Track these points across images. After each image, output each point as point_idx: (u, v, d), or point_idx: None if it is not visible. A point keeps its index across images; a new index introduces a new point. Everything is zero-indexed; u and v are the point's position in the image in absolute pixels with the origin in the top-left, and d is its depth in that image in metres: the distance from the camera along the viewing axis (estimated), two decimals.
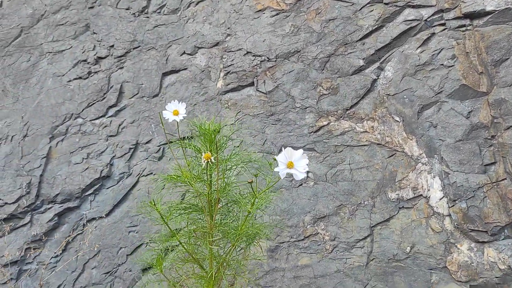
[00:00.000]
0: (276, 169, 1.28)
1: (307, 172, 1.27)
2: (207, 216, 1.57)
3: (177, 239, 1.49)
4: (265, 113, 2.55)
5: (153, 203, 1.43)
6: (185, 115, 1.51)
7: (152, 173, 2.62)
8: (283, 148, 1.30)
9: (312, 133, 2.44)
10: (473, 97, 2.23)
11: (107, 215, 2.58)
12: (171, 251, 1.60)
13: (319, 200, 2.30)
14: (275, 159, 1.29)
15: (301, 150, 1.31)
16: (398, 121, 2.33)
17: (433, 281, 2.06)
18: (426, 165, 2.21)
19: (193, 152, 1.70)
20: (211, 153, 1.63)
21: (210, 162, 1.40)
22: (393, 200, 2.21)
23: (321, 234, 2.25)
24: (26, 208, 2.67)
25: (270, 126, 2.52)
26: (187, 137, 1.79)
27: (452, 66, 2.30)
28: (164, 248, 1.56)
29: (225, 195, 1.62)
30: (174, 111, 1.48)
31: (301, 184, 2.35)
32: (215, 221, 1.54)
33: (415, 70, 2.36)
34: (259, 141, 2.50)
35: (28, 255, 2.59)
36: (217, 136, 1.67)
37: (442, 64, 2.32)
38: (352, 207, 2.25)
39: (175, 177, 1.49)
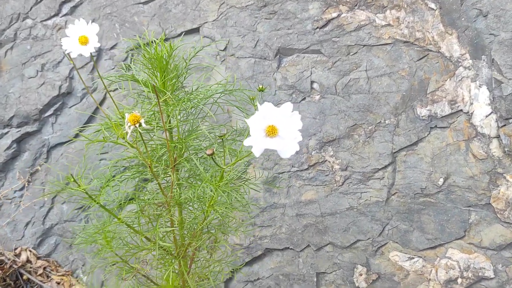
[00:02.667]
0: (247, 142, 0.79)
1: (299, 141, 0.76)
2: (164, 187, 1.11)
3: (120, 221, 1.04)
4: (256, 4, 1.94)
5: (73, 178, 0.96)
6: (98, 45, 0.97)
7: (121, 88, 2.12)
8: (258, 105, 0.78)
9: (318, 29, 1.86)
10: None
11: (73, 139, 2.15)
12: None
13: (327, 118, 1.80)
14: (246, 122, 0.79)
15: (289, 105, 0.80)
16: (433, 8, 1.72)
17: (471, 221, 1.64)
18: (469, 69, 1.66)
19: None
20: (164, 88, 1.12)
21: (137, 128, 0.89)
22: (423, 117, 1.70)
23: (329, 162, 1.79)
24: None
25: (263, 22, 1.93)
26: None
27: None
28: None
29: (191, 150, 1.14)
30: (81, 37, 0.94)
31: (304, 98, 1.84)
32: (175, 192, 1.08)
33: None
34: (249, 43, 1.93)
35: None
36: (173, 62, 1.15)
37: None
38: (369, 127, 1.75)
39: (103, 138, 1.00)
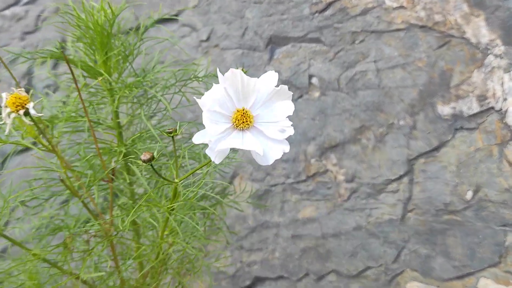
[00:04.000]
0: (197, 138, 0.47)
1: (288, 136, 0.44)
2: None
3: (36, 257, 0.73)
4: None
5: None
6: None
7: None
8: (219, 74, 0.48)
9: (317, 13, 1.56)
10: None
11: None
12: None
13: (329, 119, 1.50)
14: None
15: (273, 74, 0.49)
16: None
17: (508, 244, 1.32)
18: (501, 58, 1.36)
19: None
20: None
21: (21, 117, 0.57)
22: (446, 117, 1.40)
23: (332, 172, 1.49)
24: None
25: (252, 7, 1.64)
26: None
27: None
28: None
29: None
30: None
31: (301, 96, 1.54)
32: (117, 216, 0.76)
33: None
34: (235, 31, 1.63)
35: None
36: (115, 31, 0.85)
37: None
38: (380, 129, 1.45)
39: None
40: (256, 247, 1.53)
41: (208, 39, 1.68)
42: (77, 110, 0.83)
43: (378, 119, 1.46)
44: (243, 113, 0.48)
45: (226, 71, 0.53)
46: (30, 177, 1.40)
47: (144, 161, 0.54)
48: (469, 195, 1.36)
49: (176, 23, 1.73)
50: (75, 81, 0.64)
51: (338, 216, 1.46)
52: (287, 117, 0.49)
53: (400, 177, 1.42)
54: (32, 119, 0.59)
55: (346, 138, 1.48)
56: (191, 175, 0.61)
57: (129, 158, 0.74)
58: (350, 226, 1.45)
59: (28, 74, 1.88)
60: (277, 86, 0.50)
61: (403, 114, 1.44)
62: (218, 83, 0.47)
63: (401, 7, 1.49)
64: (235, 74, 0.47)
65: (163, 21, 1.74)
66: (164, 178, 0.57)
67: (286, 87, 0.50)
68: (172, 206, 0.63)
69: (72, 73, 0.65)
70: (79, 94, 0.64)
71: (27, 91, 0.62)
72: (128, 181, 0.78)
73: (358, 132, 1.47)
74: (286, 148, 0.48)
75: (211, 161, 0.50)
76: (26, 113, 0.56)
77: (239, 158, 1.45)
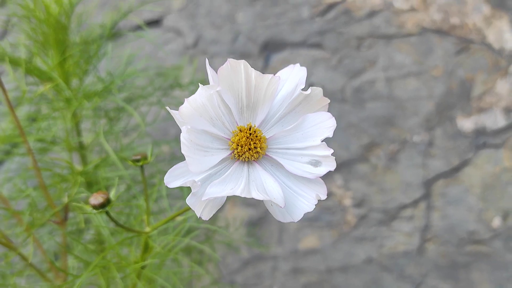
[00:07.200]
0: (170, 178, 0.28)
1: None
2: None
3: None
4: None
5: None
6: None
7: None
8: (208, 67, 0.29)
9: (317, 16, 1.39)
10: None
11: None
12: None
13: (333, 135, 1.32)
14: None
15: (297, 71, 0.31)
16: None
17: None
18: None
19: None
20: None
21: None
22: (467, 132, 1.23)
23: (337, 195, 1.30)
24: None
25: (244, 10, 1.46)
26: None
27: None
28: None
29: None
30: None
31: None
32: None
33: None
34: (226, 36, 1.45)
35: None
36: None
37: None
38: (392, 146, 1.27)
39: None
40: (251, 282, 1.33)
41: (195, 45, 1.49)
42: (25, 126, 0.64)
43: (389, 134, 1.28)
44: (250, 133, 0.30)
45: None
46: None
47: (94, 207, 0.35)
48: (496, 222, 1.18)
49: (159, 28, 1.55)
50: (4, 89, 0.45)
51: (345, 246, 1.28)
52: (324, 140, 0.31)
53: (416, 202, 1.24)
54: None
55: (352, 156, 1.29)
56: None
57: (76, 199, 0.55)
58: (359, 259, 1.26)
59: None
60: (305, 88, 0.32)
61: (417, 129, 1.26)
62: (207, 84, 0.29)
63: (412, 9, 1.32)
64: (236, 67, 0.29)
65: (145, 24, 1.56)
66: (129, 229, 0.39)
67: (320, 89, 0.32)
68: (143, 264, 0.44)
69: (2, 88, 0.46)
70: (9, 104, 0.45)
71: None
72: (82, 225, 0.59)
73: (366, 150, 1.29)
74: (322, 192, 0.30)
75: (186, 210, 0.32)
76: None
77: None
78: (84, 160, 0.72)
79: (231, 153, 0.30)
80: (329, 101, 0.34)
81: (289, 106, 0.32)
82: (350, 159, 1.29)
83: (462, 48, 1.27)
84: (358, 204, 1.28)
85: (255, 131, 0.30)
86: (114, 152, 0.49)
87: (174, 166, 0.28)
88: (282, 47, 1.41)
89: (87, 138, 0.70)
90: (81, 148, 0.71)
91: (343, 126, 1.32)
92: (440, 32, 1.29)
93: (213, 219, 1.11)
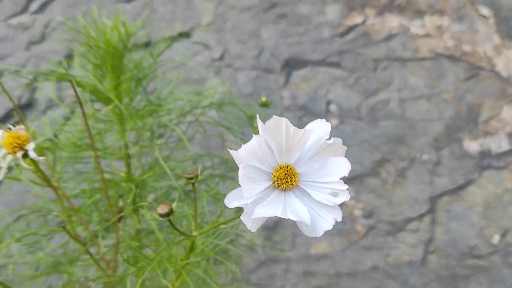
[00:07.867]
0: (230, 200, 0.38)
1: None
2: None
3: None
4: (261, 4, 1.58)
5: None
6: None
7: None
8: (259, 122, 0.39)
9: (337, 37, 1.49)
10: None
11: None
12: None
13: (347, 150, 1.41)
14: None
15: (323, 126, 0.41)
16: (486, 16, 1.36)
17: None
18: None
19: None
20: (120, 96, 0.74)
21: (19, 159, 0.49)
22: (473, 154, 1.31)
23: (348, 206, 1.39)
24: None
25: (269, 27, 1.56)
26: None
27: None
28: None
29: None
30: None
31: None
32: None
33: None
34: (250, 52, 1.56)
35: None
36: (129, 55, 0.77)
37: None
38: (402, 163, 1.36)
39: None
40: (264, 283, 1.43)
41: (221, 58, 1.60)
42: (82, 138, 0.75)
43: (400, 152, 1.37)
44: (287, 170, 0.40)
45: (238, 94, 0.44)
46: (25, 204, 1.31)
47: (161, 215, 0.46)
48: (496, 239, 1.27)
49: (188, 40, 1.66)
50: (82, 108, 0.56)
51: (354, 254, 1.37)
52: (341, 177, 0.41)
53: (422, 216, 1.33)
54: (31, 162, 0.51)
55: (365, 170, 1.39)
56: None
57: (140, 205, 0.65)
58: (366, 266, 1.36)
59: (31, 85, 1.80)
60: (329, 138, 0.42)
61: (427, 148, 1.35)
62: (257, 132, 0.39)
63: (427, 35, 1.41)
64: (279, 123, 0.39)
65: (175, 37, 1.66)
66: (183, 233, 0.49)
67: (340, 140, 0.42)
68: (187, 262, 0.54)
69: (79, 101, 0.57)
70: (86, 122, 0.56)
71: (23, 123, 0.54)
72: (138, 226, 0.70)
73: (378, 165, 1.38)
74: (339, 216, 0.40)
75: (238, 217, 0.42)
76: (25, 155, 0.48)
77: None
78: (128, 168, 0.83)
79: (272, 183, 0.40)
80: (346, 148, 0.44)
81: (316, 150, 0.42)
82: (362, 173, 1.39)
83: (472, 74, 1.35)
84: (368, 215, 1.37)
85: (291, 168, 0.40)
86: (167, 171, 0.59)
87: (232, 192, 0.38)
88: (303, 65, 1.50)
89: (132, 150, 0.81)
90: (126, 157, 0.81)
91: (357, 142, 1.41)
92: (452, 58, 1.38)
93: (238, 223, 1.21)
